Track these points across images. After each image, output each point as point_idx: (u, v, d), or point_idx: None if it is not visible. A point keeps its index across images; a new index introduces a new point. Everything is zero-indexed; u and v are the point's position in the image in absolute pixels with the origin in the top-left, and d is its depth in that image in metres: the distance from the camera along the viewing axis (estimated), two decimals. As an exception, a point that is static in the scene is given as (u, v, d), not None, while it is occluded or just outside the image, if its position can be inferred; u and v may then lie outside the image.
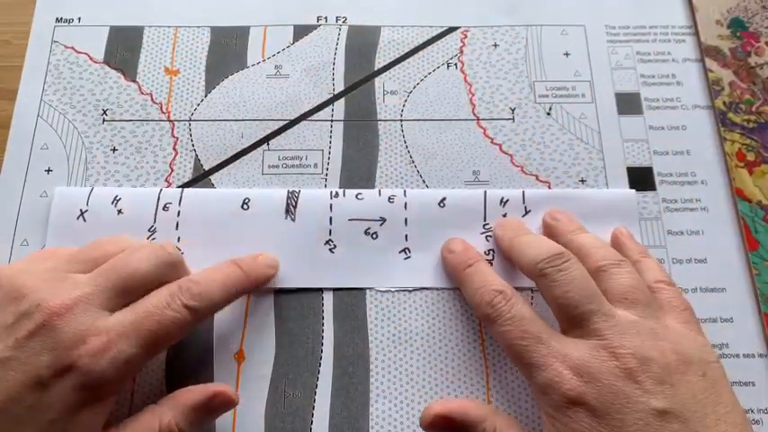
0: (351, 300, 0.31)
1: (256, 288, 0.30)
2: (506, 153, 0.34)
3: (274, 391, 0.29)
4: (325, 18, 0.37)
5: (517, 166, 0.34)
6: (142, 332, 0.24)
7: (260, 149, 0.34)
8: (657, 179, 0.34)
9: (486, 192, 0.33)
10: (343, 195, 0.32)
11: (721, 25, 0.37)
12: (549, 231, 0.31)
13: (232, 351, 0.30)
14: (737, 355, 0.30)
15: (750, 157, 0.34)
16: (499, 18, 0.38)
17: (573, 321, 0.25)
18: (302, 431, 0.29)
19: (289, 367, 0.30)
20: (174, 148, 0.34)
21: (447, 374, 0.30)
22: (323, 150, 0.34)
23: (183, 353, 0.30)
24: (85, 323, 0.24)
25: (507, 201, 0.32)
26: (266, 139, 0.34)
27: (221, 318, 0.30)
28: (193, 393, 0.26)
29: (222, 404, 0.26)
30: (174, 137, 0.34)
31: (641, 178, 0.34)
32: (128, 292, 0.26)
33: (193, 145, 0.34)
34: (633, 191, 0.33)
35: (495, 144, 0.34)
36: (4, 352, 0.23)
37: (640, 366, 0.23)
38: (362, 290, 0.31)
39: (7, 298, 0.24)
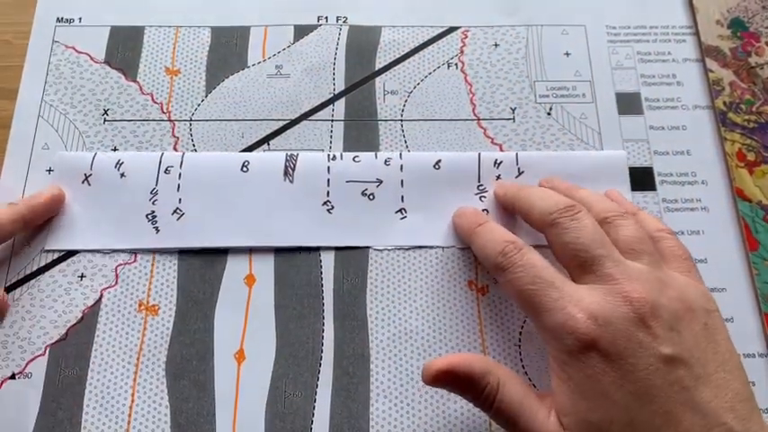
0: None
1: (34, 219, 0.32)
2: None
3: (274, 391, 0.29)
4: (326, 18, 0.37)
5: (517, 166, 0.34)
6: None
7: (260, 149, 0.34)
8: (658, 179, 0.34)
9: (480, 154, 0.33)
10: (341, 158, 0.33)
11: (722, 25, 0.37)
12: (499, 196, 0.32)
13: (232, 351, 0.30)
14: (737, 355, 0.30)
15: (750, 157, 0.34)
16: (500, 18, 0.38)
17: (584, 266, 0.25)
18: (302, 431, 0.29)
19: (289, 367, 0.30)
20: (175, 148, 0.34)
21: (447, 374, 0.30)
22: (323, 150, 0.34)
23: (183, 352, 0.30)
24: None
25: (501, 162, 0.33)
26: (267, 139, 0.34)
27: (221, 317, 0.31)
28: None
29: None
30: (174, 137, 0.34)
31: (641, 178, 0.34)
32: None
33: (194, 145, 0.34)
34: (624, 152, 0.34)
35: (496, 144, 0.34)
36: None
37: (652, 313, 0.23)
38: (363, 253, 0.31)
39: None
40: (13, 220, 0.30)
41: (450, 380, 0.25)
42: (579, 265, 0.26)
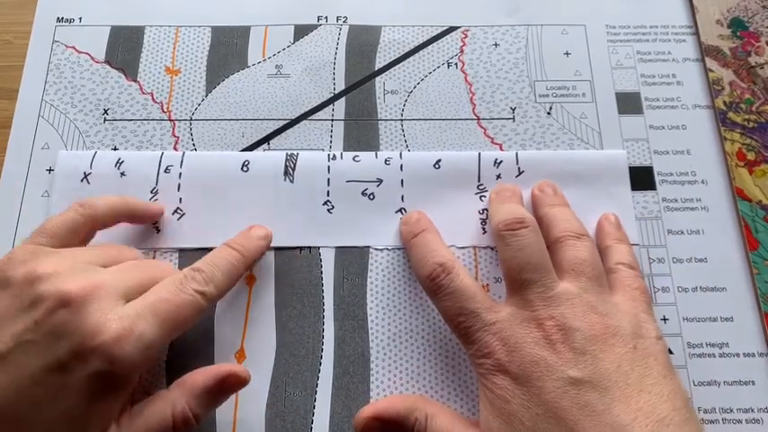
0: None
1: (254, 263, 0.31)
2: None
3: (275, 391, 0.29)
4: (326, 18, 0.37)
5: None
6: (160, 315, 0.24)
7: (260, 149, 0.34)
8: (658, 179, 0.34)
9: (480, 153, 0.33)
10: (341, 158, 0.33)
11: (721, 25, 0.37)
12: (534, 201, 0.32)
13: (233, 350, 0.30)
14: (737, 355, 0.30)
15: (750, 156, 0.34)
16: (500, 18, 0.38)
17: (514, 286, 0.27)
18: (303, 430, 0.29)
19: (289, 366, 0.30)
20: (175, 148, 0.34)
21: (447, 373, 0.30)
22: (323, 150, 0.34)
23: (183, 352, 0.30)
24: (105, 308, 0.24)
25: (501, 162, 0.33)
26: (267, 139, 0.34)
27: (222, 317, 0.31)
28: (205, 376, 0.26)
29: (235, 384, 0.26)
30: (174, 136, 0.34)
31: (641, 178, 0.34)
32: (145, 291, 0.26)
33: (194, 144, 0.34)
34: (624, 151, 0.34)
35: (496, 144, 0.34)
36: (24, 335, 0.23)
37: (563, 337, 0.24)
38: (364, 250, 0.31)
39: (25, 281, 0.24)
40: (111, 206, 0.29)
41: (381, 426, 0.26)
42: (510, 284, 0.27)
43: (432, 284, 0.27)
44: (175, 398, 0.25)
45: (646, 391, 0.23)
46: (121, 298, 0.25)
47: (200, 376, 0.26)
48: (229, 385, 0.26)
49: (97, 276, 0.25)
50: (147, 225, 0.32)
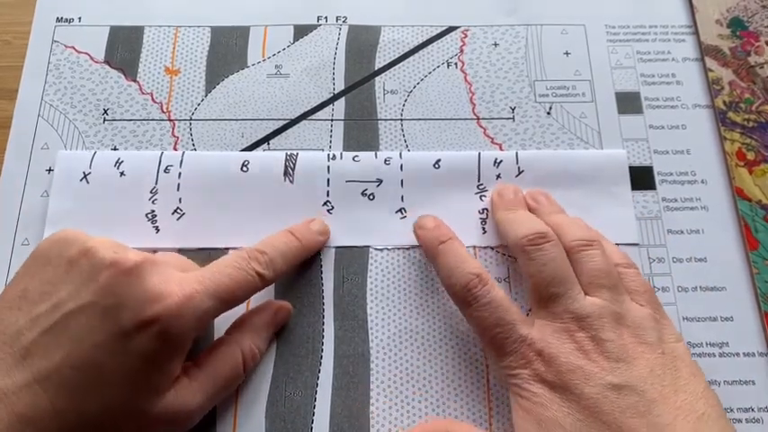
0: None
1: (309, 255, 0.31)
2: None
3: (275, 391, 0.29)
4: (326, 18, 0.37)
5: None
6: (220, 286, 0.25)
7: (260, 149, 0.34)
8: (657, 178, 0.34)
9: (480, 153, 0.33)
10: (341, 158, 0.33)
11: (721, 24, 0.37)
12: (531, 212, 0.32)
13: (233, 350, 0.30)
14: (738, 354, 0.30)
15: (750, 156, 0.34)
16: (499, 17, 0.38)
17: (541, 299, 0.27)
18: (303, 430, 0.29)
19: (289, 366, 0.30)
20: (175, 148, 0.34)
21: (447, 373, 0.30)
22: (323, 150, 0.34)
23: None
24: (165, 275, 0.25)
25: (501, 161, 0.33)
26: (266, 139, 0.34)
27: (221, 317, 0.30)
28: (260, 315, 0.29)
29: (286, 315, 0.30)
30: (174, 136, 0.34)
31: (641, 177, 0.34)
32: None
33: (194, 144, 0.34)
34: (624, 151, 0.34)
35: (496, 143, 0.34)
36: (86, 299, 0.23)
37: (596, 347, 0.25)
38: (364, 250, 0.31)
39: (81, 252, 0.24)
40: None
41: None
42: (537, 298, 0.27)
43: (467, 294, 0.27)
44: (240, 338, 0.28)
45: (681, 391, 0.24)
46: (178, 269, 0.26)
47: (256, 316, 0.29)
48: (281, 318, 0.30)
49: (153, 256, 0.26)
50: (146, 225, 0.32)
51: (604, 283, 0.27)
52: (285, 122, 0.35)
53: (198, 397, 0.26)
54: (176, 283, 0.25)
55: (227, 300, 0.26)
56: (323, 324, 0.31)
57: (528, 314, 0.31)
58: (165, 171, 0.33)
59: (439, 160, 0.33)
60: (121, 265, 0.24)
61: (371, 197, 0.33)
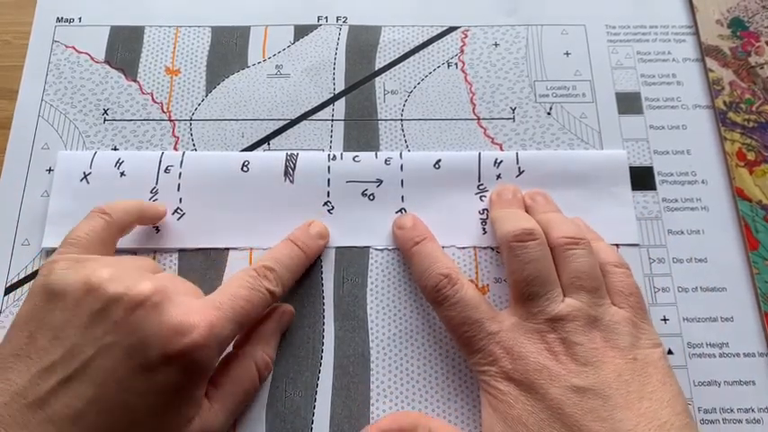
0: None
1: (312, 262, 0.31)
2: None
3: (275, 391, 0.29)
4: (326, 18, 0.37)
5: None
6: (237, 310, 0.25)
7: (260, 149, 0.34)
8: (658, 179, 0.34)
9: (480, 153, 0.33)
10: (341, 158, 0.33)
11: (721, 25, 0.37)
12: (527, 210, 0.32)
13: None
14: (738, 354, 0.30)
15: (750, 156, 0.34)
16: (500, 18, 0.38)
17: (520, 297, 0.27)
18: (303, 431, 0.29)
19: (289, 367, 0.30)
20: (175, 148, 0.34)
21: (447, 373, 0.30)
22: (323, 150, 0.34)
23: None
24: (183, 304, 0.24)
25: (501, 162, 0.33)
26: (267, 139, 0.34)
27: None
28: (267, 323, 0.29)
29: (290, 319, 0.30)
30: (174, 136, 0.34)
31: (641, 178, 0.34)
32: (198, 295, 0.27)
33: (194, 144, 0.34)
34: (624, 151, 0.34)
35: (496, 144, 0.34)
36: (104, 338, 0.22)
37: (565, 349, 0.25)
38: (364, 250, 0.31)
39: (86, 288, 0.23)
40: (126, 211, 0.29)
41: None
42: (516, 295, 0.28)
43: (437, 295, 0.28)
44: (252, 351, 0.28)
45: (647, 398, 0.24)
46: (190, 295, 0.26)
47: (263, 326, 0.29)
48: (285, 322, 0.30)
49: (157, 279, 0.25)
50: (146, 225, 0.32)
51: (585, 284, 0.27)
52: (285, 122, 0.35)
53: (221, 416, 0.26)
54: (197, 313, 0.24)
55: (245, 323, 0.26)
56: (323, 324, 0.31)
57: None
58: (165, 171, 0.33)
59: (439, 160, 0.33)
60: (135, 299, 0.23)
61: (372, 197, 0.33)
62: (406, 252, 0.31)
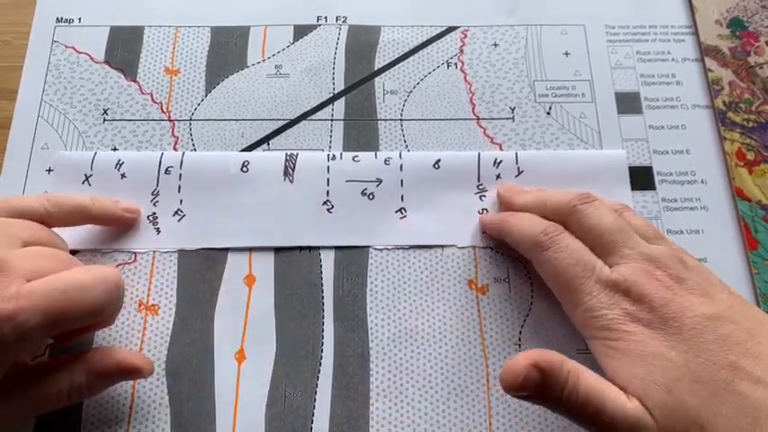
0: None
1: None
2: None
3: (274, 391, 0.29)
4: (326, 18, 0.37)
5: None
6: (53, 306, 0.23)
7: (260, 149, 0.34)
8: (657, 178, 0.34)
9: (479, 153, 0.33)
10: (341, 158, 0.33)
11: (721, 25, 0.37)
12: (504, 200, 0.32)
13: (232, 351, 0.30)
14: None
15: (750, 156, 0.34)
16: (499, 18, 0.38)
17: (606, 249, 0.27)
18: (302, 431, 0.29)
19: (289, 367, 0.30)
20: (175, 148, 0.34)
21: (447, 373, 0.30)
22: (323, 150, 0.34)
23: (183, 352, 0.30)
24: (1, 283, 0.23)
25: (501, 162, 0.33)
26: (266, 139, 0.34)
27: (221, 317, 0.31)
28: (110, 363, 0.26)
29: (136, 376, 0.27)
30: (174, 136, 0.34)
31: (641, 178, 0.34)
32: None
33: (194, 144, 0.34)
34: (623, 151, 0.34)
35: (496, 143, 0.34)
36: None
37: (678, 284, 0.25)
38: (363, 249, 0.31)
39: None
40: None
41: (539, 378, 0.22)
42: (602, 250, 0.27)
43: (545, 238, 0.27)
44: (77, 371, 0.26)
45: (764, 323, 0.24)
46: (23, 278, 0.24)
47: (106, 361, 0.26)
48: (130, 376, 0.27)
49: (5, 252, 0.24)
50: (147, 227, 0.32)
51: (653, 233, 0.27)
52: (285, 122, 0.35)
53: (11, 412, 0.25)
54: (7, 296, 0.22)
55: (57, 325, 0.24)
56: (323, 324, 0.31)
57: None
58: (165, 173, 0.33)
59: (439, 160, 0.33)
60: None
61: (371, 197, 0.33)
62: (503, 219, 0.31)
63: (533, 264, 0.29)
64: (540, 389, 0.23)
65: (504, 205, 0.32)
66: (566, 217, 0.28)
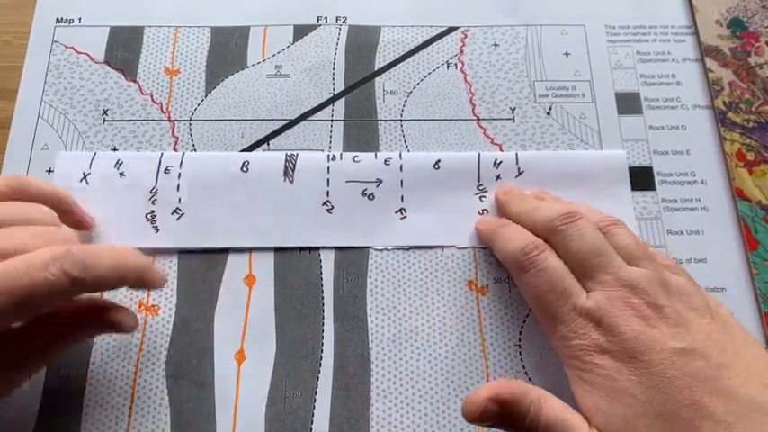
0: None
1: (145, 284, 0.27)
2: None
3: (274, 391, 0.29)
4: (326, 18, 0.37)
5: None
6: (13, 289, 0.22)
7: (260, 149, 0.34)
8: (657, 179, 0.34)
9: (479, 154, 0.33)
10: (341, 158, 0.33)
11: (721, 25, 0.37)
12: (501, 206, 0.32)
13: (232, 351, 0.30)
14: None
15: (750, 156, 0.34)
16: (499, 18, 0.38)
17: (586, 272, 0.26)
18: (302, 431, 0.29)
19: (289, 367, 0.30)
20: (175, 148, 0.34)
21: (447, 373, 0.30)
22: (323, 150, 0.34)
23: (183, 352, 0.30)
24: None
25: (501, 162, 0.33)
26: (266, 139, 0.34)
27: (221, 317, 0.31)
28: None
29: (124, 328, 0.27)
30: (174, 137, 0.34)
31: (641, 178, 0.34)
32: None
33: (194, 145, 0.34)
34: (623, 151, 0.34)
35: (496, 144, 0.34)
36: None
37: (654, 313, 0.24)
38: (363, 250, 0.31)
39: None
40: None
41: (498, 410, 0.24)
42: (582, 272, 0.26)
43: (524, 258, 0.27)
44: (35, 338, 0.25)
45: (741, 353, 0.24)
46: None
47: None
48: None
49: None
50: (146, 225, 0.32)
51: (641, 254, 0.27)
52: (285, 123, 0.35)
53: None
54: None
55: (18, 306, 0.22)
56: (323, 324, 0.31)
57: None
58: (165, 172, 0.33)
59: (439, 161, 0.33)
60: None
61: (371, 197, 0.33)
62: (491, 233, 0.30)
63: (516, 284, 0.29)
64: (500, 418, 0.24)
65: (501, 212, 0.32)
66: (549, 236, 0.28)
